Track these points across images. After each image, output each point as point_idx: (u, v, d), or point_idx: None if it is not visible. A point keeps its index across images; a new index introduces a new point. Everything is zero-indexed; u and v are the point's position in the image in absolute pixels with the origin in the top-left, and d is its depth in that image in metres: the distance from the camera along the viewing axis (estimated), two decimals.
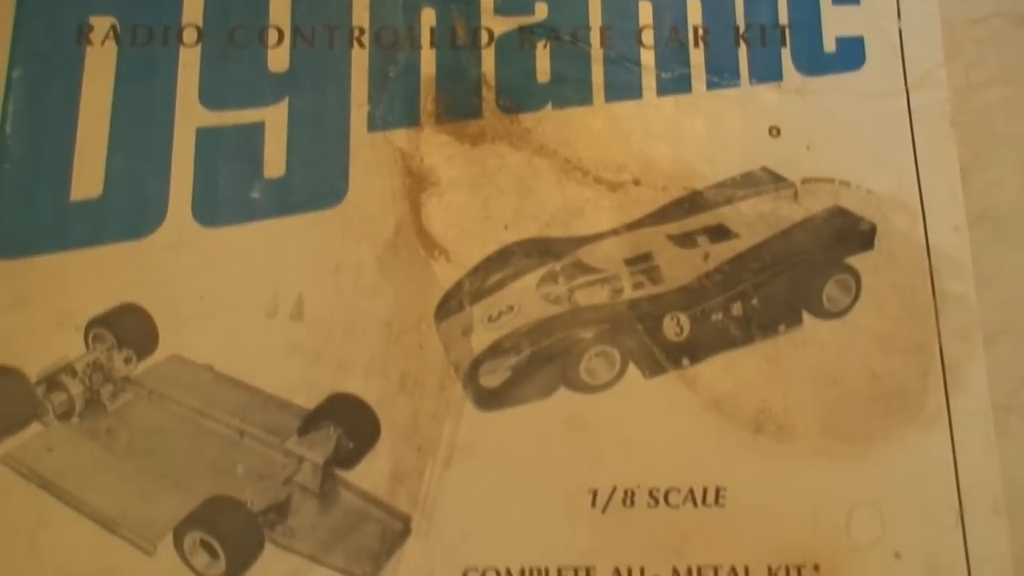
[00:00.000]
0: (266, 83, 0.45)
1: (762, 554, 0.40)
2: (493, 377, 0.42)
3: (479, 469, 0.41)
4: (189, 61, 0.45)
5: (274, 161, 0.44)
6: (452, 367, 0.42)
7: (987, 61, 0.47)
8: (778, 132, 0.45)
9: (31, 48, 0.45)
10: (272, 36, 0.46)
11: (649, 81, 0.46)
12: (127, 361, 0.42)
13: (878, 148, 0.45)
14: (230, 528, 0.39)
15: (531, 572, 0.40)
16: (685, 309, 0.43)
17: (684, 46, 0.46)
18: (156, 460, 0.41)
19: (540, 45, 0.46)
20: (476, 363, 0.42)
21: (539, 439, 0.41)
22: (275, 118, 0.45)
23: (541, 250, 0.44)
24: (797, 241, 0.44)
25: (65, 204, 0.43)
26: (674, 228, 0.44)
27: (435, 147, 0.45)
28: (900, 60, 0.46)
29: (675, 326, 0.43)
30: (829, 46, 0.47)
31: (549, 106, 0.46)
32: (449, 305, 0.43)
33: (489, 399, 0.42)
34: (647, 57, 0.46)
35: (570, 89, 0.46)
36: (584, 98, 0.46)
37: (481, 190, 0.44)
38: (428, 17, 0.46)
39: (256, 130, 0.44)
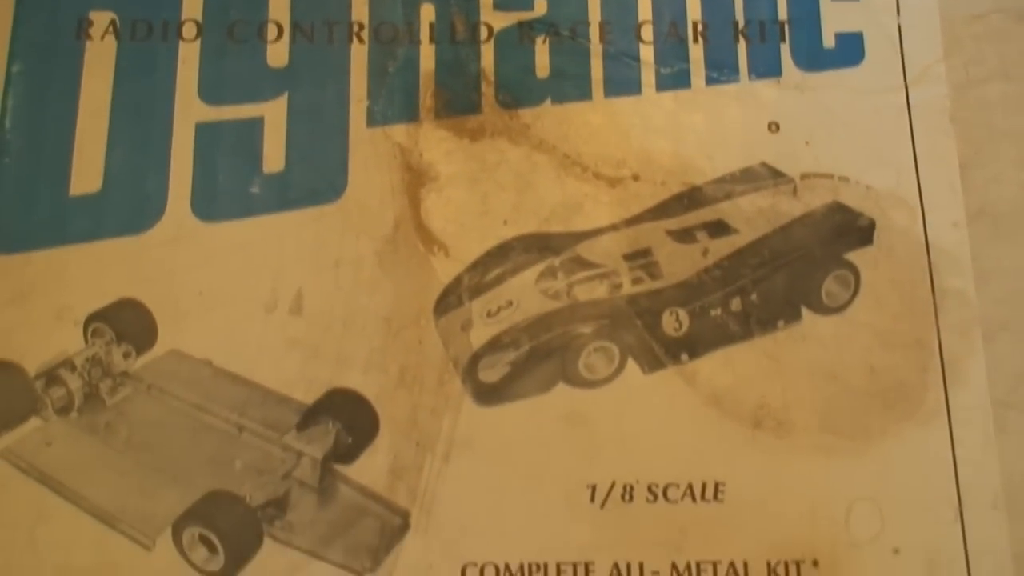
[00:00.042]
0: (265, 78, 0.45)
1: (761, 549, 0.40)
2: (492, 372, 0.42)
3: (478, 464, 0.41)
4: (188, 56, 0.45)
5: (273, 156, 0.44)
6: (451, 362, 0.42)
7: (986, 57, 0.47)
8: (777, 128, 0.45)
9: (31, 43, 0.45)
10: (271, 31, 0.46)
11: (648, 77, 0.46)
12: (126, 356, 0.42)
13: (877, 144, 0.45)
14: (229, 523, 0.39)
15: (530, 567, 0.40)
16: (684, 304, 0.43)
17: (683, 42, 0.46)
18: (155, 455, 0.41)
19: (539, 40, 0.46)
20: (475, 358, 0.42)
21: (538, 434, 0.41)
22: (274, 113, 0.45)
23: (540, 245, 0.44)
24: (796, 237, 0.44)
25: (64, 199, 0.43)
26: (673, 223, 0.44)
27: (434, 142, 0.45)
28: (899, 56, 0.46)
29: (674, 321, 0.43)
30: (828, 42, 0.47)
31: (548, 101, 0.46)
32: (448, 300, 0.43)
33: (488, 394, 0.42)
34: (646, 52, 0.46)
35: (569, 84, 0.46)
36: (583, 93, 0.46)
37: (480, 185, 0.44)
38: (427, 12, 0.46)
39: (255, 125, 0.44)
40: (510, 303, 0.43)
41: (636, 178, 0.45)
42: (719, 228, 0.44)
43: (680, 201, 0.44)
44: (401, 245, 0.43)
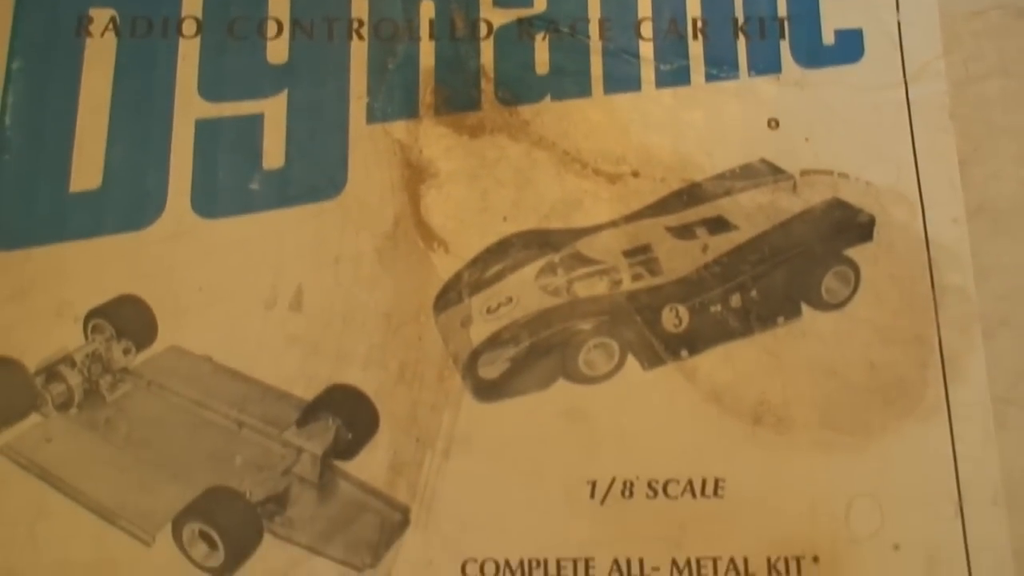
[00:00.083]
0: (265, 75, 0.45)
1: (761, 546, 0.40)
2: (492, 368, 0.42)
3: (478, 460, 0.41)
4: (188, 53, 0.45)
5: (273, 153, 0.44)
6: (451, 358, 0.42)
7: (986, 53, 0.47)
8: (777, 124, 0.45)
9: (31, 40, 0.45)
10: (271, 28, 0.46)
11: (648, 73, 0.46)
12: (126, 352, 0.42)
13: (877, 140, 0.45)
14: (229, 519, 0.39)
15: (530, 563, 0.40)
16: (684, 301, 0.43)
17: (683, 38, 0.46)
18: (155, 451, 0.41)
19: (539, 37, 0.46)
20: (475, 354, 0.42)
21: (538, 430, 0.41)
22: (274, 110, 0.45)
23: (540, 242, 0.44)
24: (796, 233, 0.44)
25: (64, 195, 0.43)
26: (673, 220, 0.44)
27: (434, 139, 0.45)
28: (899, 52, 0.46)
29: (674, 318, 0.43)
30: (828, 38, 0.47)
31: (548, 98, 0.46)
32: (448, 296, 0.43)
33: (488, 390, 0.42)
34: (646, 49, 0.46)
35: (569, 81, 0.46)
36: (583, 90, 0.46)
37: (480, 182, 0.44)
38: (427, 9, 0.46)
39: (255, 122, 0.44)
40: (510, 299, 0.43)
41: (636, 174, 0.45)
42: (719, 224, 0.44)
43: (680, 197, 0.45)
44: (401, 241, 0.43)
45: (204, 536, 0.39)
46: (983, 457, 0.41)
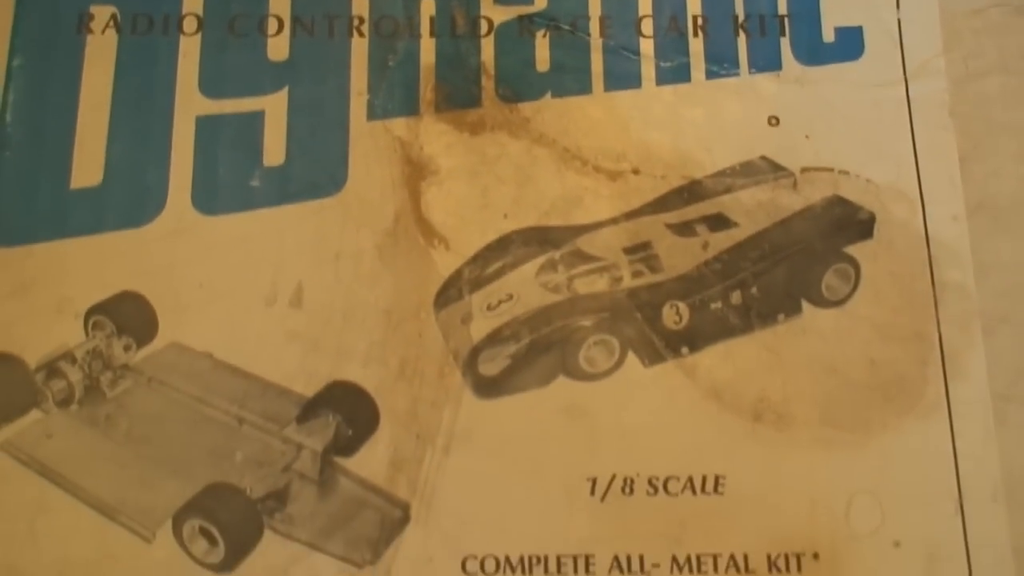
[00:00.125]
0: (266, 72, 0.45)
1: (761, 542, 0.40)
2: (492, 365, 0.42)
3: (478, 457, 0.41)
4: (189, 50, 0.45)
5: (274, 149, 0.44)
6: (451, 355, 0.42)
7: (985, 51, 0.47)
8: (777, 121, 0.45)
9: (32, 37, 0.45)
10: (272, 25, 0.46)
11: (648, 70, 0.46)
12: (126, 348, 0.42)
13: (877, 138, 0.45)
14: (229, 515, 0.39)
15: (530, 560, 0.40)
16: (684, 298, 0.43)
17: (683, 35, 0.47)
18: (155, 447, 0.41)
19: (540, 34, 0.46)
20: (475, 351, 0.42)
21: (538, 427, 0.41)
22: (275, 107, 0.45)
23: (540, 239, 0.44)
24: (796, 230, 0.44)
25: (65, 192, 0.43)
26: (673, 217, 0.44)
27: (434, 136, 0.45)
28: (899, 50, 0.47)
29: (674, 315, 0.43)
30: (828, 36, 0.47)
31: (548, 95, 0.46)
32: (448, 293, 0.43)
33: (488, 387, 0.42)
34: (646, 46, 0.46)
35: (569, 78, 0.46)
36: (583, 87, 0.46)
37: (480, 179, 0.44)
38: (428, 6, 0.46)
39: (256, 118, 0.45)
40: (510, 296, 0.43)
41: (636, 172, 0.45)
42: (719, 222, 0.44)
43: (680, 195, 0.45)
44: (401, 238, 0.43)
45: (204, 532, 0.39)
46: (983, 454, 0.41)
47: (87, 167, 0.43)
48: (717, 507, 0.40)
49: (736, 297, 0.43)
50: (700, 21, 0.47)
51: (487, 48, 0.46)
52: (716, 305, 0.43)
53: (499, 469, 0.41)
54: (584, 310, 0.43)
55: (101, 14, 0.45)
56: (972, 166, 0.45)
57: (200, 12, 0.46)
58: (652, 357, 0.42)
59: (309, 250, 0.43)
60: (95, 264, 0.42)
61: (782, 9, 0.47)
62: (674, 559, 0.40)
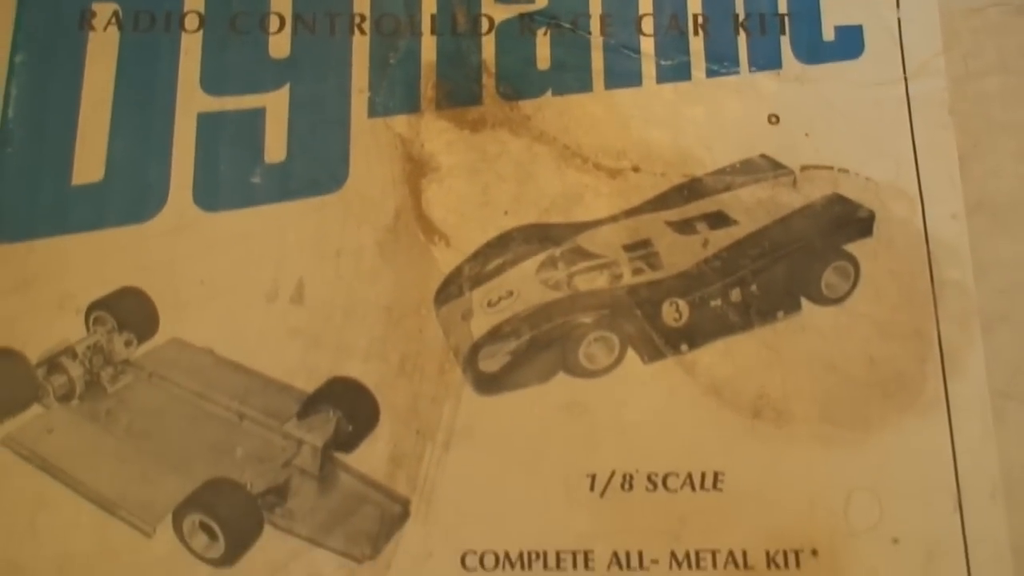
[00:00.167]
0: (267, 69, 0.45)
1: (760, 539, 0.40)
2: (492, 362, 0.42)
3: (478, 453, 0.41)
4: (191, 47, 0.45)
5: (275, 146, 0.44)
6: (451, 351, 0.42)
7: (985, 50, 0.47)
8: (777, 120, 0.46)
9: (34, 33, 0.45)
10: (273, 22, 0.46)
11: (649, 69, 0.46)
12: (127, 344, 0.42)
13: (877, 136, 0.45)
14: (229, 510, 0.39)
15: (529, 555, 0.40)
16: (684, 295, 0.43)
17: (684, 34, 0.47)
18: (156, 442, 0.41)
19: (540, 32, 0.46)
20: (475, 347, 0.42)
21: (538, 423, 0.41)
22: (276, 104, 0.45)
23: (541, 236, 0.44)
24: (796, 228, 0.44)
25: (66, 188, 0.43)
26: (673, 214, 0.44)
27: (435, 133, 0.45)
28: (899, 49, 0.47)
29: (674, 312, 0.43)
30: (828, 35, 0.47)
31: (549, 93, 0.46)
32: (449, 290, 0.43)
33: (488, 383, 0.42)
34: (647, 45, 0.46)
35: (570, 76, 0.46)
36: (584, 85, 0.46)
37: (481, 176, 0.45)
38: (429, 4, 0.46)
39: (257, 115, 0.45)
40: (511, 293, 0.43)
41: (636, 169, 0.45)
42: (719, 219, 0.44)
43: (680, 192, 0.45)
44: (402, 235, 0.44)
45: (204, 527, 0.39)
46: (982, 451, 0.42)
47: (89, 163, 0.44)
48: (716, 503, 0.41)
49: (736, 294, 0.43)
50: (700, 20, 0.47)
51: (488, 46, 0.46)
52: (716, 302, 0.43)
53: (499, 465, 0.41)
54: (584, 307, 0.43)
55: (103, 11, 0.46)
56: (971, 165, 0.45)
57: (202, 9, 0.46)
58: (652, 354, 0.42)
59: (310, 247, 0.43)
60: (96, 260, 0.42)
61: (782, 8, 0.47)
62: (673, 555, 0.40)
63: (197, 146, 0.44)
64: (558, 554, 0.40)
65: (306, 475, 0.41)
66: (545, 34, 0.46)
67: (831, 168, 0.45)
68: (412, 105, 0.45)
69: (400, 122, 0.45)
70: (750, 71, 0.46)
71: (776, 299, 0.43)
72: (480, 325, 0.42)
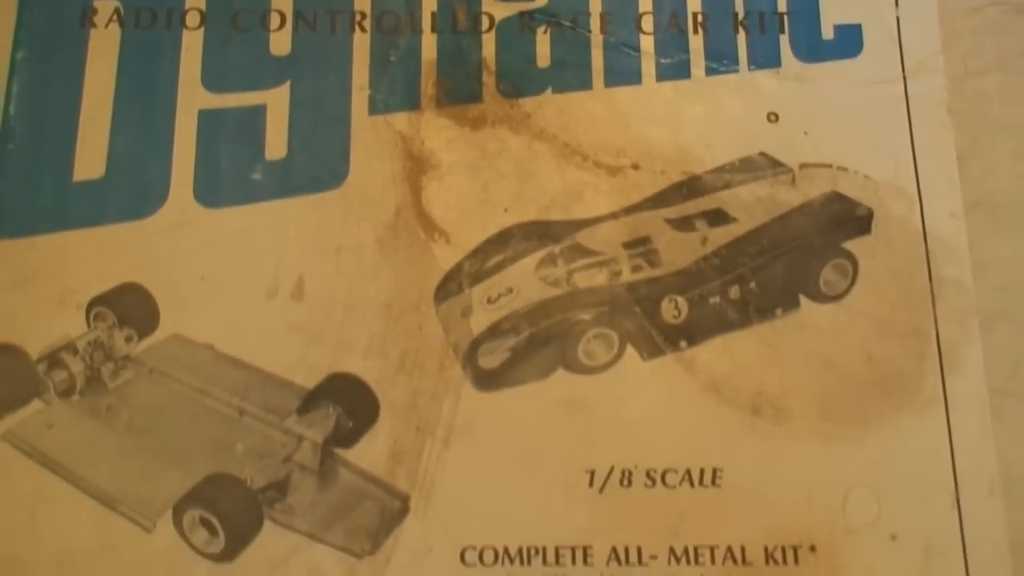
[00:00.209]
0: (268, 66, 0.45)
1: (758, 535, 0.40)
2: (492, 358, 0.42)
3: (477, 449, 0.41)
4: (192, 44, 0.46)
5: (275, 143, 0.44)
6: (451, 348, 0.42)
7: (984, 49, 0.47)
8: (776, 118, 0.46)
9: (36, 30, 0.45)
10: (274, 20, 0.46)
11: (648, 67, 0.46)
12: (128, 340, 0.42)
13: (875, 134, 0.46)
14: (229, 505, 0.39)
15: (528, 551, 0.40)
16: (683, 292, 0.43)
17: (683, 32, 0.47)
18: (156, 438, 0.41)
19: (540, 30, 0.46)
20: (475, 344, 0.42)
21: (537, 420, 0.41)
22: (277, 101, 0.45)
23: (540, 233, 0.44)
24: (795, 226, 0.44)
25: (68, 184, 0.43)
26: (672, 212, 0.44)
27: (435, 131, 0.45)
28: (898, 48, 0.47)
29: (673, 309, 0.43)
30: (827, 33, 0.47)
31: (549, 91, 0.46)
32: (449, 287, 0.43)
33: (488, 380, 0.42)
34: (647, 43, 0.47)
35: (570, 74, 0.46)
36: (584, 83, 0.46)
37: (481, 173, 0.45)
38: (429, 2, 0.47)
39: (258, 112, 0.45)
40: (510, 290, 0.43)
41: (636, 167, 0.45)
42: (718, 217, 0.44)
43: (679, 190, 0.45)
44: (402, 232, 0.44)
45: (205, 522, 0.39)
46: (980, 448, 0.42)
47: (90, 160, 0.44)
48: (715, 499, 0.41)
49: (735, 292, 0.43)
50: (700, 18, 0.47)
51: (488, 44, 0.46)
52: (715, 300, 0.43)
53: (498, 461, 0.41)
54: (583, 304, 0.43)
55: (105, 8, 0.46)
56: (970, 163, 0.45)
57: (203, 7, 0.46)
58: (651, 351, 0.42)
59: (310, 243, 0.43)
60: (97, 256, 0.43)
61: (782, 7, 0.47)
62: (672, 551, 0.40)
63: (198, 143, 0.44)
64: (557, 550, 0.40)
65: (306, 471, 0.41)
66: (545, 32, 0.46)
67: (830, 166, 0.45)
68: (412, 102, 0.45)
69: (400, 119, 0.45)
70: (749, 69, 0.46)
71: (775, 296, 0.43)
72: (480, 322, 0.42)
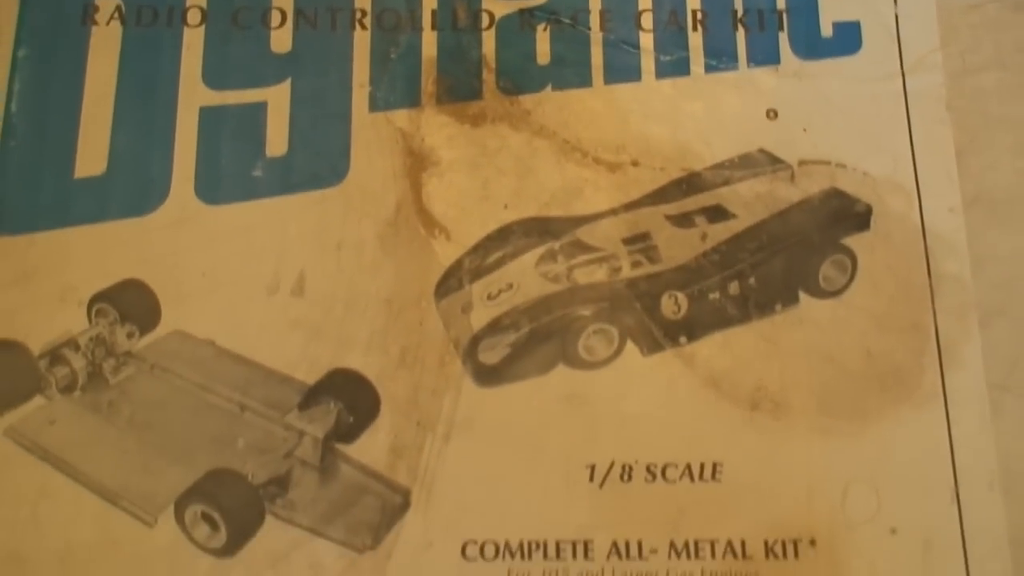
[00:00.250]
0: (269, 64, 0.46)
1: (758, 529, 0.40)
2: (492, 354, 0.42)
3: (478, 444, 0.41)
4: (193, 42, 0.46)
5: (276, 140, 0.45)
6: (452, 343, 0.42)
7: (982, 46, 0.47)
8: (775, 115, 0.46)
9: (37, 28, 0.46)
10: (275, 17, 0.46)
11: (648, 64, 0.46)
12: (129, 336, 0.42)
13: (874, 131, 0.46)
14: (231, 501, 0.40)
15: (529, 545, 0.40)
16: (683, 288, 0.43)
17: (683, 30, 0.47)
18: (158, 433, 0.41)
19: (540, 28, 0.47)
20: (475, 340, 0.42)
21: (538, 415, 0.41)
22: (278, 98, 0.45)
23: (540, 229, 0.44)
24: (794, 222, 0.44)
25: (69, 181, 0.44)
26: (672, 208, 0.45)
27: (436, 127, 0.45)
28: (896, 45, 0.47)
29: (673, 304, 0.43)
30: (826, 30, 0.47)
31: (549, 88, 0.46)
32: (449, 283, 0.43)
33: (488, 375, 0.42)
34: (646, 40, 0.47)
35: (570, 71, 0.46)
36: (583, 80, 0.46)
37: (481, 170, 0.45)
38: (430, 0, 0.47)
39: (259, 109, 0.45)
40: (510, 286, 0.43)
41: (635, 164, 0.45)
42: (717, 213, 0.45)
43: (679, 186, 0.45)
44: (402, 228, 0.44)
45: (206, 517, 0.39)
46: (979, 443, 0.42)
47: (91, 157, 0.44)
48: (715, 494, 0.41)
49: (734, 287, 0.43)
50: (699, 16, 0.47)
51: (488, 41, 0.46)
52: (714, 295, 0.43)
53: (499, 456, 0.41)
54: (583, 300, 0.43)
55: (106, 6, 0.46)
56: (969, 159, 0.45)
57: (204, 5, 0.46)
58: (651, 346, 0.43)
59: (311, 239, 0.43)
60: (99, 252, 0.43)
61: (780, 4, 0.47)
62: (672, 544, 0.40)
63: (199, 140, 0.44)
64: (558, 544, 0.40)
65: (307, 466, 0.41)
66: (545, 29, 0.47)
67: (829, 163, 0.45)
68: (413, 100, 0.45)
69: (401, 116, 0.45)
70: (748, 67, 0.47)
71: (774, 292, 0.44)
72: (480, 317, 0.43)
